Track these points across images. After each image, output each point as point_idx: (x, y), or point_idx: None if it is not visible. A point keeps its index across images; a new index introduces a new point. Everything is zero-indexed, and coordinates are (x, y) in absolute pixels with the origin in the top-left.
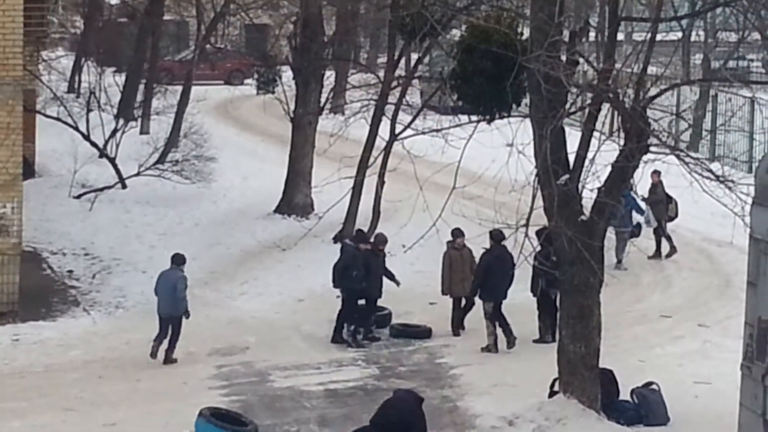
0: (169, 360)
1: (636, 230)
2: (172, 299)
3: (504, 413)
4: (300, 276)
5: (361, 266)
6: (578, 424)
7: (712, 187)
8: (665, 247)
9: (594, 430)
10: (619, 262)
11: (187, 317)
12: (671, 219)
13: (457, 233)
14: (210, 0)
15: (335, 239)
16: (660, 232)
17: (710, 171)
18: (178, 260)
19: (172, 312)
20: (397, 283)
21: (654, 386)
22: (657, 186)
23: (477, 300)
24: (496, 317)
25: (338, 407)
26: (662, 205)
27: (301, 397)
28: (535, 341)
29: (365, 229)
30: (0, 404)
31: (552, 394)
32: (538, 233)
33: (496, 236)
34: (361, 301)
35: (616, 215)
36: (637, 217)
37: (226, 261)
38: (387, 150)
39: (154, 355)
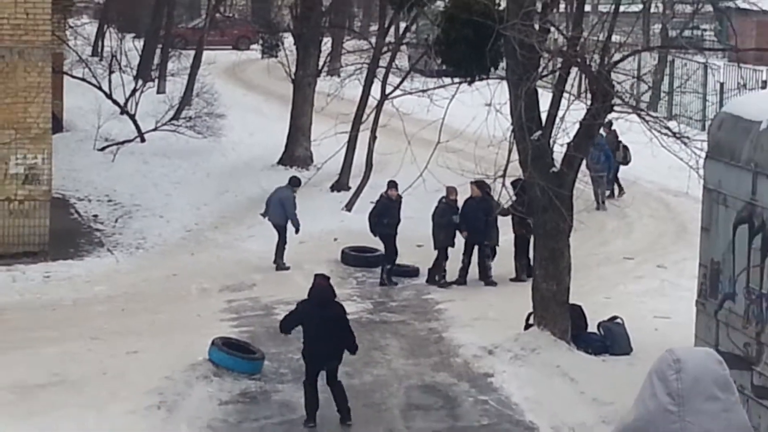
0: (279, 266)
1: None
2: (278, 210)
3: (484, 343)
4: (301, 221)
5: (395, 214)
6: (550, 353)
7: (670, 143)
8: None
9: (564, 358)
10: (602, 203)
11: (296, 231)
12: (622, 164)
13: (483, 185)
14: None
15: (332, 188)
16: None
17: (668, 128)
18: (293, 181)
19: (277, 221)
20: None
21: (618, 320)
22: (608, 136)
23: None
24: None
25: None
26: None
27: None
28: (511, 280)
29: (359, 180)
30: (35, 333)
31: (527, 326)
32: (513, 184)
33: (486, 186)
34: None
35: (599, 160)
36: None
37: (234, 207)
38: (378, 108)
39: (282, 266)
